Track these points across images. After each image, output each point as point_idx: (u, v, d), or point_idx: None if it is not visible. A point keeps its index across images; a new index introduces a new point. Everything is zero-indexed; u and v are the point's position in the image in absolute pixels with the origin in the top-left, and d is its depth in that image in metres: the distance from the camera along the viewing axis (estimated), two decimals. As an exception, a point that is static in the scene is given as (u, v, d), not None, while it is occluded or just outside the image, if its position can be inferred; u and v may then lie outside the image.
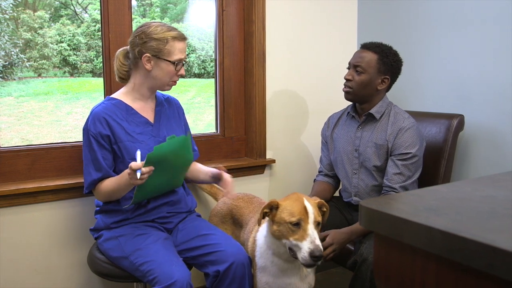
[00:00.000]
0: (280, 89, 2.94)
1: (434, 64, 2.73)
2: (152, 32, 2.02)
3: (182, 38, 2.08)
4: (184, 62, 2.11)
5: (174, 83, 2.13)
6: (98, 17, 2.48)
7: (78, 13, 2.69)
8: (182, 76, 2.12)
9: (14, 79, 2.46)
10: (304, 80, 3.04)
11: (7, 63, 2.41)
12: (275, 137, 2.95)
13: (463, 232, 0.62)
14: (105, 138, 2.01)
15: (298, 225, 1.74)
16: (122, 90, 2.16)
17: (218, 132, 2.89)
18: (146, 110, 2.15)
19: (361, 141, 2.35)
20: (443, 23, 2.66)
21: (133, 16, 2.49)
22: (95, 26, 2.65)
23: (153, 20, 2.22)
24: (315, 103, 3.09)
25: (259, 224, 1.88)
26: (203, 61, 3.06)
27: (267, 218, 1.91)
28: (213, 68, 2.91)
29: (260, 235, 1.97)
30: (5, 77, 2.42)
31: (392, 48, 2.31)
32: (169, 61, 2.04)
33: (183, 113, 2.34)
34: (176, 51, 2.05)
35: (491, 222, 0.66)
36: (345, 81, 2.33)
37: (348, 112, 2.45)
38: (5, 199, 2.14)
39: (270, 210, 1.85)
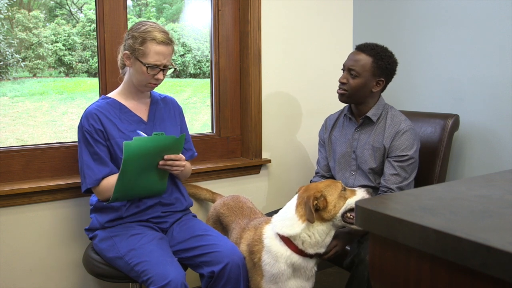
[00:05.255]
0: (276, 89, 2.94)
1: (429, 64, 2.74)
2: (136, 30, 2.00)
3: (161, 41, 1.98)
4: (163, 68, 2.02)
5: (152, 85, 2.06)
6: (93, 17, 2.48)
7: (73, 13, 2.68)
8: (161, 80, 2.05)
9: (9, 79, 2.45)
10: (300, 80, 3.04)
11: (1, 63, 2.40)
12: (270, 137, 2.95)
13: (458, 231, 0.62)
14: (99, 133, 2.00)
15: (344, 189, 1.95)
16: (117, 89, 2.16)
17: (214, 132, 2.89)
18: (140, 109, 2.14)
19: (359, 143, 2.36)
20: (438, 24, 2.67)
21: (128, 16, 2.49)
22: (90, 26, 2.64)
23: (150, 20, 2.20)
24: (311, 103, 3.09)
25: (312, 221, 1.88)
26: (198, 61, 3.06)
27: (269, 221, 1.95)
28: (209, 68, 2.91)
29: (270, 241, 1.95)
30: (0, 77, 2.41)
31: (387, 50, 2.31)
32: (142, 62, 1.98)
33: (181, 113, 2.33)
34: (152, 53, 1.97)
35: (485, 222, 0.66)
36: (339, 83, 2.33)
37: (345, 114, 2.45)
38: (0, 199, 2.13)
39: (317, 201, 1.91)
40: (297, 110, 3.06)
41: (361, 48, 2.30)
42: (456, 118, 2.46)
